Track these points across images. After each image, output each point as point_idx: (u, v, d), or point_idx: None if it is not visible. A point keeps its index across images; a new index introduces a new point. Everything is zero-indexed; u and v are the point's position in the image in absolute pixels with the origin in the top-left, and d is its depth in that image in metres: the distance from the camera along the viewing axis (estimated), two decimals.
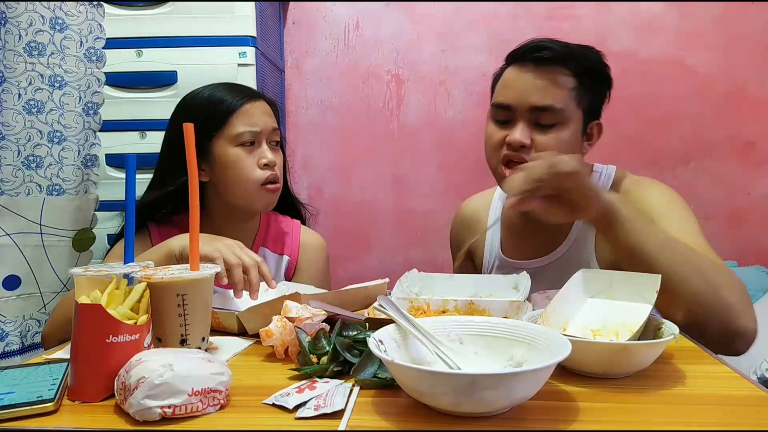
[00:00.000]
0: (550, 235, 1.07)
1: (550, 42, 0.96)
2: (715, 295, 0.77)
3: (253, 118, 1.08)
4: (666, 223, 0.89)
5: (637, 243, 0.77)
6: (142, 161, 1.97)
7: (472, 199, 1.27)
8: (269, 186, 1.09)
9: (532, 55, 0.95)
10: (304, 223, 1.28)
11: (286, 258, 1.20)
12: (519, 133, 0.94)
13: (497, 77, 1.03)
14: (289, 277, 1.20)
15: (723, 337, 0.76)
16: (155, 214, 1.12)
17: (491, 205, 1.20)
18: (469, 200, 1.28)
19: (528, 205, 0.76)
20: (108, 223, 1.51)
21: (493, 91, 1.04)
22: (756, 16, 2.08)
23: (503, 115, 0.97)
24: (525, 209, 0.78)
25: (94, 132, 1.31)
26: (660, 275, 0.69)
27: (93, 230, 1.31)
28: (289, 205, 1.25)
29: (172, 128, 1.12)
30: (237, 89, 1.12)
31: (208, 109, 1.07)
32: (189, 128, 0.68)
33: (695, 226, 0.93)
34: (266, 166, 1.08)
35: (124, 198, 0.67)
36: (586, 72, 0.96)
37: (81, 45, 1.26)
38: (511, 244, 1.14)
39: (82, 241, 1.29)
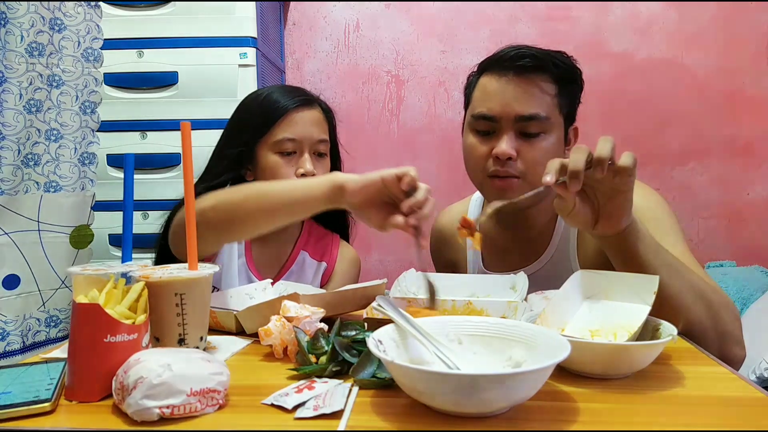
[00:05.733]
0: (531, 247, 1.04)
1: (527, 49, 0.93)
2: (714, 323, 0.77)
3: (297, 126, 1.08)
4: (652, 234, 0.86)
5: (645, 264, 0.75)
6: (142, 161, 1.96)
7: (449, 211, 1.23)
8: None
9: (513, 63, 0.92)
10: (345, 238, 1.27)
11: (324, 264, 1.21)
12: (506, 145, 0.91)
13: (471, 86, 1.00)
14: (322, 285, 1.20)
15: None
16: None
17: (468, 215, 1.15)
18: (445, 212, 1.24)
19: (573, 189, 0.67)
20: (110, 222, 1.51)
21: (467, 101, 1.00)
22: (754, 17, 2.08)
23: (485, 126, 0.95)
24: (568, 194, 0.69)
25: (92, 131, 1.31)
26: (658, 276, 0.68)
27: (91, 227, 1.31)
28: (333, 219, 1.24)
29: (228, 123, 1.15)
30: (292, 95, 1.12)
31: (258, 113, 1.09)
32: (186, 127, 0.68)
33: (680, 236, 0.91)
34: (303, 176, 1.08)
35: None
36: (564, 77, 0.95)
37: (79, 45, 1.26)
38: (492, 257, 1.11)
39: (80, 237, 1.29)
